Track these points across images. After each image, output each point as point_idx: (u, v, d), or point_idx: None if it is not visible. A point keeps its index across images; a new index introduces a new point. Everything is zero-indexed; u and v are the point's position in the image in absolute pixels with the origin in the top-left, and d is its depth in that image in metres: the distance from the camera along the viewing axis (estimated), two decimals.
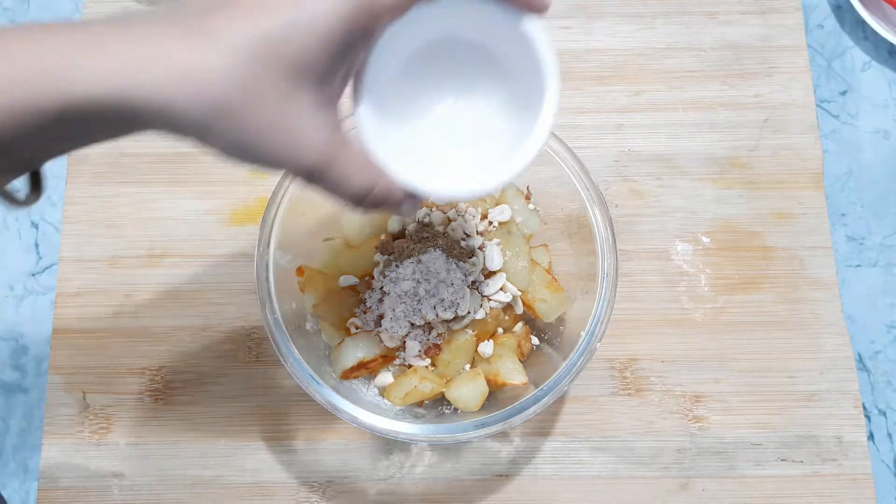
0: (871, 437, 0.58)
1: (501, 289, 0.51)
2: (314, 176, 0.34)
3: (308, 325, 0.53)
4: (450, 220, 0.53)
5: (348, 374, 0.50)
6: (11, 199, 0.34)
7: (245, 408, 0.56)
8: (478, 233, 0.52)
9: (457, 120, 0.40)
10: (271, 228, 0.50)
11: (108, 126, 0.30)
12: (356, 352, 0.50)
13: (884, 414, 0.59)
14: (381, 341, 0.51)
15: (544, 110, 0.39)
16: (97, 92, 0.28)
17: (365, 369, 0.51)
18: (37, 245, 0.62)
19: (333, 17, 0.31)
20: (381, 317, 0.50)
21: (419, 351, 0.50)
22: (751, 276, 0.60)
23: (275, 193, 0.50)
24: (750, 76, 0.64)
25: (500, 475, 0.55)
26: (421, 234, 0.52)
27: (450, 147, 0.40)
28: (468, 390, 0.49)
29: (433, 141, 0.40)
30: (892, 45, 0.65)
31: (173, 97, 0.29)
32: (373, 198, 0.36)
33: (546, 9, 0.37)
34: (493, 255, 0.51)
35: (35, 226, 0.62)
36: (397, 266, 0.50)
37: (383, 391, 0.51)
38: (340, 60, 0.33)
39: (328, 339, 0.53)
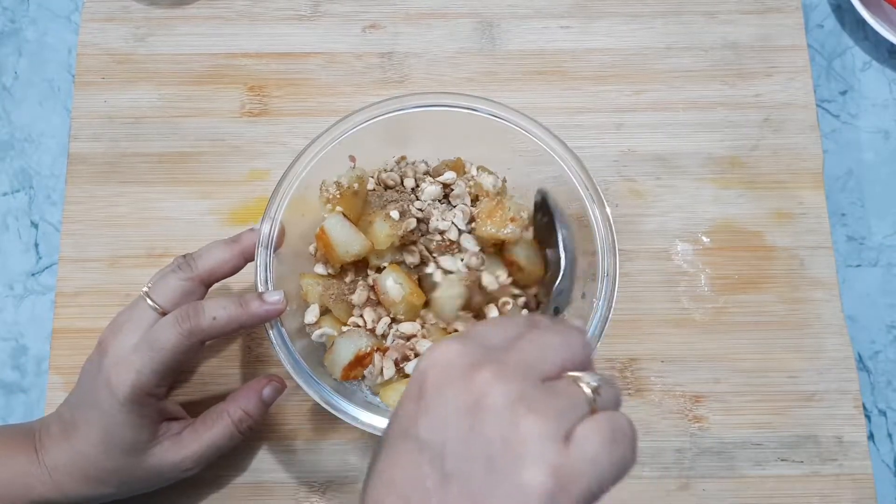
0: (871, 437, 0.58)
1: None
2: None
3: (308, 322, 0.53)
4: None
5: (348, 372, 0.50)
6: None
7: None
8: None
9: None
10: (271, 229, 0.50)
11: None
12: (350, 346, 0.50)
13: (884, 414, 0.59)
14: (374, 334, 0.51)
15: None
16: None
17: (361, 366, 0.50)
18: (37, 245, 0.62)
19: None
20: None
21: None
22: (751, 276, 0.60)
23: (275, 193, 0.50)
24: (750, 76, 0.64)
25: None
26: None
27: None
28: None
29: None
30: (892, 44, 0.65)
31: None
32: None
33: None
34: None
35: (35, 226, 0.62)
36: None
37: (381, 392, 0.51)
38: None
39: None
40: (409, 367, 0.50)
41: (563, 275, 0.49)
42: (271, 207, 0.50)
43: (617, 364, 0.57)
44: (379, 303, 0.51)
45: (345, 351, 0.50)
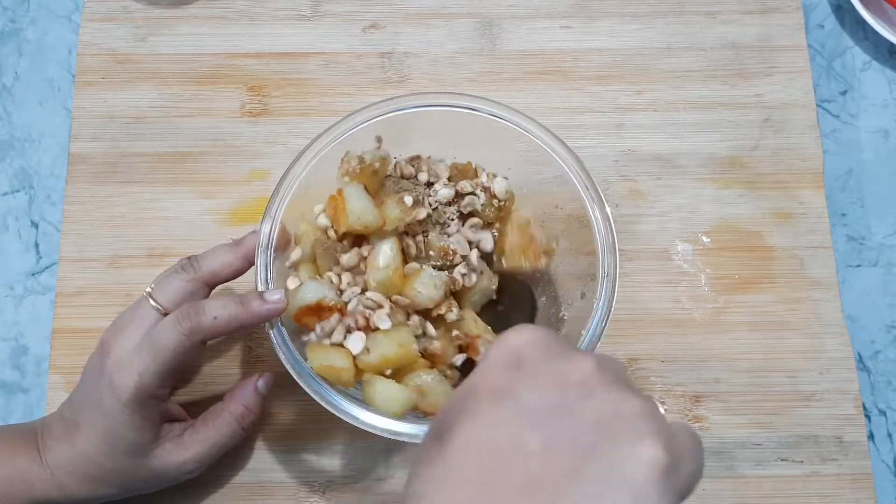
0: (871, 437, 0.58)
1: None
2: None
3: (291, 261, 0.52)
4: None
5: (301, 316, 0.48)
6: None
7: None
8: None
9: None
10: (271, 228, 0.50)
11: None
12: (318, 291, 0.48)
13: (884, 414, 0.59)
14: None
15: None
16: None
17: (317, 316, 0.48)
18: (37, 245, 0.62)
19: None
20: None
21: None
22: (751, 276, 0.60)
23: (275, 193, 0.50)
24: (750, 76, 0.64)
25: None
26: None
27: None
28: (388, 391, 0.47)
29: None
30: (892, 44, 0.65)
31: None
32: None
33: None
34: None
35: (35, 225, 0.62)
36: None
37: (309, 350, 0.49)
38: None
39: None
40: (350, 341, 0.48)
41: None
42: (271, 207, 0.50)
43: None
44: (361, 273, 0.51)
45: (311, 293, 0.48)
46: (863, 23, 0.66)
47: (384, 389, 0.47)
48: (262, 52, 0.65)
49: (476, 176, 0.55)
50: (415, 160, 0.55)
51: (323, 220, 0.52)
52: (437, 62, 0.65)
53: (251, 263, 0.49)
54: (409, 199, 0.51)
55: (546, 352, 0.32)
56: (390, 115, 0.52)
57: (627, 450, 0.28)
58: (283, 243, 0.50)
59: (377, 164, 0.51)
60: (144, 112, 0.63)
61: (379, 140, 0.53)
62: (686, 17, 0.66)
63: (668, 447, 0.29)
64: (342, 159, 0.51)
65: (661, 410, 0.34)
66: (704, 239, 0.61)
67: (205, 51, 0.65)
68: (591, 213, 0.50)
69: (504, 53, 0.65)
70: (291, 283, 0.50)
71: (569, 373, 0.31)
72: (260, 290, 0.48)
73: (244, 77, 0.64)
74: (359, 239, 0.52)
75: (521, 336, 0.33)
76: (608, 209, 0.50)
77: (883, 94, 0.66)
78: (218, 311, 0.46)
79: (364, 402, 0.48)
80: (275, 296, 0.47)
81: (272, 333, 0.48)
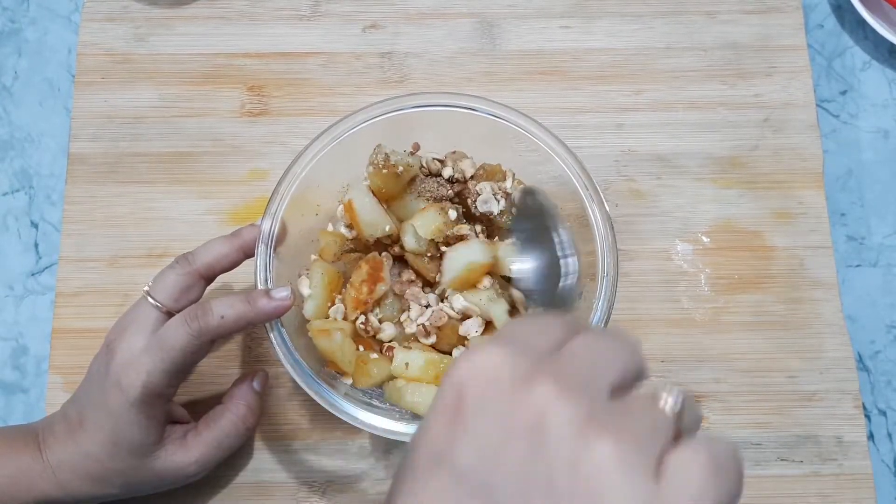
0: (871, 437, 0.58)
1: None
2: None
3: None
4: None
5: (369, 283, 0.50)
6: None
7: None
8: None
9: None
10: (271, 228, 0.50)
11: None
12: (486, 255, 0.50)
13: (884, 414, 0.59)
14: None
15: None
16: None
17: (374, 283, 0.50)
18: (37, 245, 0.62)
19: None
20: None
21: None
22: (751, 276, 0.60)
23: (274, 193, 0.50)
24: (750, 76, 0.64)
25: None
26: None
27: None
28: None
29: None
30: (892, 44, 0.65)
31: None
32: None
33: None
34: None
35: (35, 226, 0.62)
36: None
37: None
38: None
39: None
40: (386, 331, 0.51)
41: (565, 278, 0.46)
42: (271, 206, 0.50)
43: None
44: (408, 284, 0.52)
45: (480, 255, 0.50)
46: (863, 23, 0.66)
47: (423, 391, 0.48)
48: (262, 52, 0.65)
49: (503, 179, 0.54)
50: (414, 152, 0.55)
51: (344, 230, 0.53)
52: (437, 62, 0.65)
53: (247, 255, 0.50)
54: (453, 213, 0.51)
55: (493, 386, 0.26)
56: (390, 115, 0.52)
57: None
58: (283, 238, 0.51)
59: (401, 169, 0.51)
60: (144, 112, 0.63)
61: (416, 147, 0.53)
62: (686, 16, 0.66)
63: None
64: (374, 149, 0.51)
65: (655, 442, 0.25)
66: (704, 239, 0.61)
67: (205, 51, 0.65)
68: (590, 212, 0.50)
69: (504, 53, 0.65)
70: (304, 287, 0.51)
71: (517, 415, 0.25)
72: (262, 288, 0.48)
73: (244, 77, 0.64)
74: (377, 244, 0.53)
75: (466, 367, 0.27)
76: (608, 209, 0.50)
77: (883, 94, 0.66)
78: (225, 310, 0.46)
79: (386, 400, 0.49)
80: (281, 293, 0.47)
81: (272, 334, 0.48)
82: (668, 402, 0.26)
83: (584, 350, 0.27)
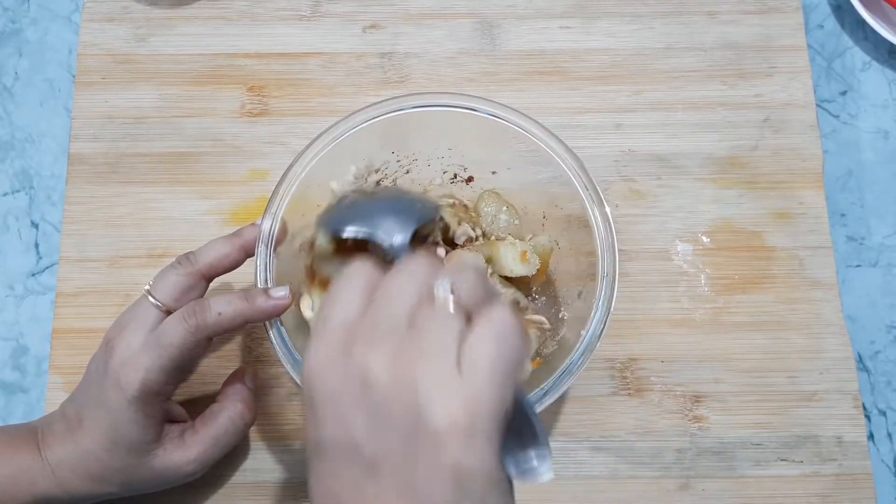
0: (871, 437, 0.58)
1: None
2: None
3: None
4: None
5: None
6: None
7: None
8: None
9: None
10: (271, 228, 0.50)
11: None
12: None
13: (884, 414, 0.59)
14: None
15: None
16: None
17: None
18: (37, 245, 0.62)
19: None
20: None
21: None
22: (751, 276, 0.60)
23: (274, 193, 0.50)
24: (750, 76, 0.64)
25: None
26: None
27: None
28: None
29: None
30: (892, 45, 0.65)
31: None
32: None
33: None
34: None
35: (35, 226, 0.63)
36: None
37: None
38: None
39: None
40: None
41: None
42: (272, 206, 0.50)
43: (617, 364, 0.57)
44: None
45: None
46: (863, 23, 0.66)
47: None
48: (262, 52, 0.65)
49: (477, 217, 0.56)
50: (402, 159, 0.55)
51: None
52: (437, 62, 0.65)
53: (248, 255, 0.50)
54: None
55: (325, 374, 0.32)
56: (390, 115, 0.52)
57: (429, 432, 0.29)
58: (283, 237, 0.51)
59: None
60: (144, 112, 0.63)
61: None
62: (686, 17, 0.66)
63: (461, 400, 0.29)
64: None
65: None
66: (704, 239, 0.61)
67: (205, 51, 0.65)
68: (590, 213, 0.50)
69: (504, 53, 0.65)
70: (306, 309, 0.51)
71: (348, 386, 0.31)
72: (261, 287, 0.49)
73: (244, 77, 0.64)
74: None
75: (305, 369, 0.33)
76: (608, 209, 0.50)
77: (883, 94, 0.66)
78: (223, 307, 0.46)
79: None
80: (280, 292, 0.47)
81: (272, 333, 0.48)
82: (440, 298, 0.31)
83: (382, 296, 0.32)
